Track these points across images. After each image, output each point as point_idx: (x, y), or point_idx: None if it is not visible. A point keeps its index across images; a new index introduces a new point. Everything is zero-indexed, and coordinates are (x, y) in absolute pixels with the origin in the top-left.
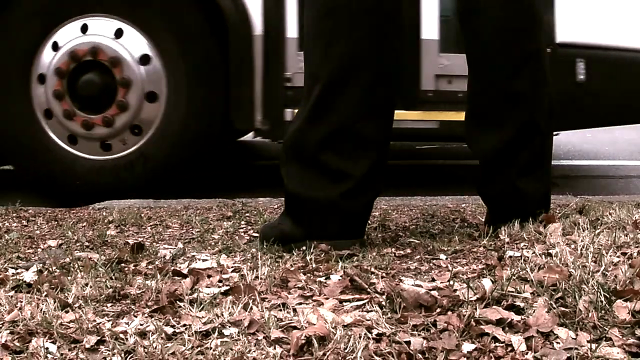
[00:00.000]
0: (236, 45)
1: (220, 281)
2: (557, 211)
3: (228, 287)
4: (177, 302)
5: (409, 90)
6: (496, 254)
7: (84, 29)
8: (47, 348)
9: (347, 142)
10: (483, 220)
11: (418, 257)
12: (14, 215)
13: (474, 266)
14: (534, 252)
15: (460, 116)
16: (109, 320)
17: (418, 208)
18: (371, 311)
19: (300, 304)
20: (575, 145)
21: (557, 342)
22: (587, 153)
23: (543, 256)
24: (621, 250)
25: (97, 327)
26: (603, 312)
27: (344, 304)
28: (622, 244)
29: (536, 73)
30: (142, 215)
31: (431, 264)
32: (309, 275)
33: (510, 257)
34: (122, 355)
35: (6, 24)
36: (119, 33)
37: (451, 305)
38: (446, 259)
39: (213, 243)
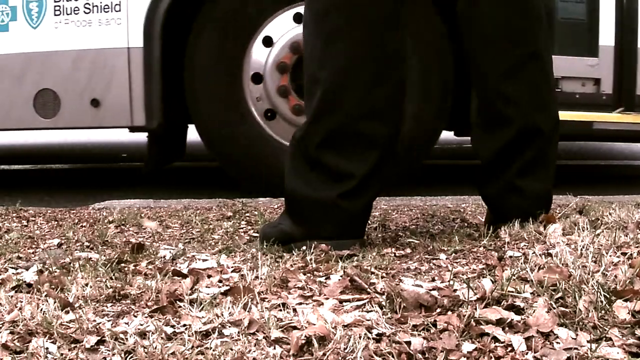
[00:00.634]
0: None
1: (220, 281)
2: (557, 211)
3: (228, 287)
4: (177, 302)
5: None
6: (496, 254)
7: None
8: (47, 348)
9: (347, 142)
10: (483, 220)
11: (418, 257)
12: (14, 215)
13: (474, 266)
14: (534, 252)
15: None
16: (109, 320)
17: (418, 208)
18: (371, 311)
19: (300, 304)
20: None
21: (557, 342)
22: None
23: (543, 256)
24: (621, 250)
25: (97, 327)
26: (603, 312)
27: (344, 304)
28: (622, 244)
29: (536, 74)
30: (142, 215)
31: (431, 264)
32: (309, 275)
33: (510, 257)
34: (122, 355)
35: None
36: None
37: (451, 305)
38: (446, 259)
39: (213, 243)
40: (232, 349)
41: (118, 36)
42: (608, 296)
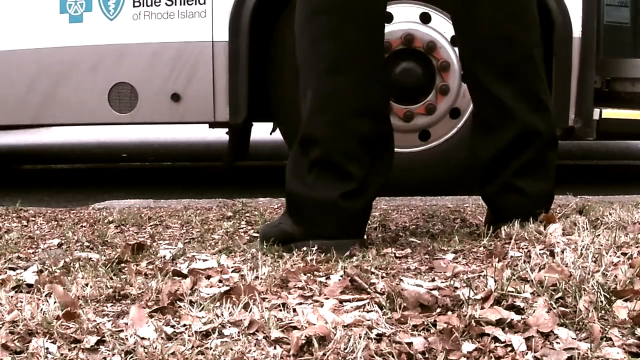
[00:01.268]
0: (560, 45)
1: (220, 281)
2: (557, 211)
3: (228, 287)
4: (177, 302)
5: None
6: (496, 254)
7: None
8: (47, 348)
9: (346, 142)
10: (483, 220)
11: (418, 257)
12: (14, 215)
13: (474, 266)
14: (534, 252)
15: None
16: (109, 320)
17: (418, 208)
18: (371, 311)
19: (300, 304)
20: None
21: (557, 342)
22: None
23: (543, 256)
24: (621, 250)
25: (97, 327)
26: (603, 312)
27: (344, 304)
28: (622, 244)
29: (530, 77)
30: (142, 215)
31: (431, 264)
32: (309, 275)
33: (511, 257)
34: (122, 355)
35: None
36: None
37: (451, 305)
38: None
39: (213, 243)
40: (232, 349)
41: (202, 29)
42: (608, 296)
